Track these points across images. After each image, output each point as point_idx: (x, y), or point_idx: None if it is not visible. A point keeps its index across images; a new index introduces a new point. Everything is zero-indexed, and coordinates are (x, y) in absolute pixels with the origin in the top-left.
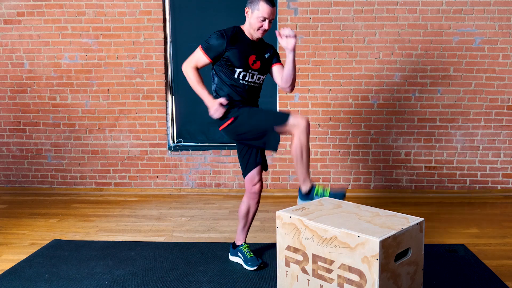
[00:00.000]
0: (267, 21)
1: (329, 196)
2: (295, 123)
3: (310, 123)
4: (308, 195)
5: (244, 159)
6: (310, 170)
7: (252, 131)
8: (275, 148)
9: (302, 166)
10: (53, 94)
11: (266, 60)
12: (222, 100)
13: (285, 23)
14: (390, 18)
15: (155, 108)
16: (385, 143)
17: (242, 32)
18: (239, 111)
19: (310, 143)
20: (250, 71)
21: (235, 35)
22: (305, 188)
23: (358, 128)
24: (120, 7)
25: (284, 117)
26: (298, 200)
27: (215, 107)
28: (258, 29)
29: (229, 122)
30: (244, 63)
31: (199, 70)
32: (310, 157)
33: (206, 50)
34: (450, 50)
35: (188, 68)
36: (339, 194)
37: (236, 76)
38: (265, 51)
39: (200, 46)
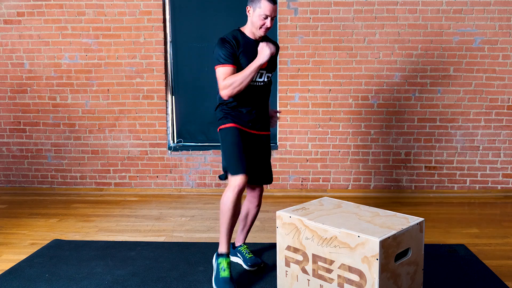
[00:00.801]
0: (269, 18)
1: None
2: (231, 183)
3: (237, 195)
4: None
5: None
6: (228, 234)
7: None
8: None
9: (220, 224)
10: (53, 94)
11: (273, 57)
12: (262, 44)
13: (285, 23)
14: (390, 18)
15: (155, 108)
16: (385, 143)
17: (243, 33)
18: (225, 131)
19: (310, 143)
20: (259, 71)
21: (236, 38)
22: (220, 249)
23: (358, 128)
24: (120, 7)
25: (234, 170)
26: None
27: (264, 50)
28: (260, 27)
29: (218, 128)
30: None
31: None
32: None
33: (225, 61)
34: (450, 50)
35: (226, 84)
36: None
37: None
38: None
39: (217, 65)
